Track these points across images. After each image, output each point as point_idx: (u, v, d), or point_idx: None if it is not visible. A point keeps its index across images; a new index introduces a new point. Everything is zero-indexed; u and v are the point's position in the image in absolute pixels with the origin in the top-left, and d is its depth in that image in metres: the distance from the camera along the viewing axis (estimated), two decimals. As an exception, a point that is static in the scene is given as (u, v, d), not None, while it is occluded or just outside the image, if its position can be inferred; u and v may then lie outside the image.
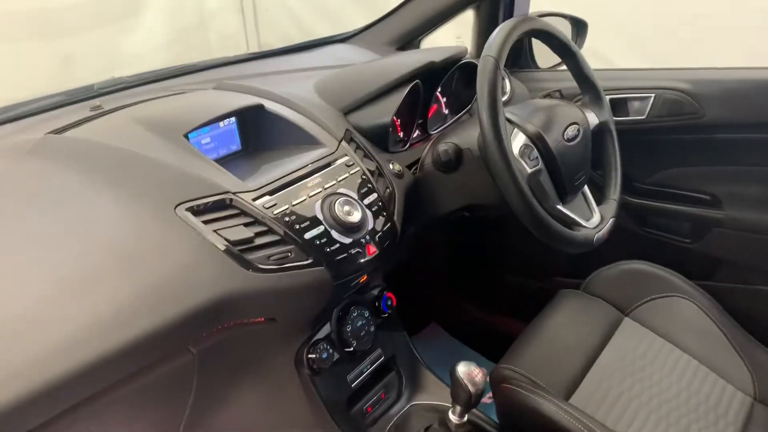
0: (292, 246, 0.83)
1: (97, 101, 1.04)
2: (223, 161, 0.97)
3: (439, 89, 1.24)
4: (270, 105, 1.02)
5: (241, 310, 0.81)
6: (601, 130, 1.11)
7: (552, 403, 1.00)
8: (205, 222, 0.78)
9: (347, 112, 1.09)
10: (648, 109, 1.36)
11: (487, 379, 1.11)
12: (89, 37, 2.54)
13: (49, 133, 0.90)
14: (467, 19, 1.53)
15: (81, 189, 0.79)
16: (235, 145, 1.02)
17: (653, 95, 1.35)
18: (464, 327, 1.95)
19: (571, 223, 1.02)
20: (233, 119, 1.00)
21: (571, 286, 1.34)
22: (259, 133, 1.02)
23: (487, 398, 1.43)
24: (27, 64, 2.32)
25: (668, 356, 1.17)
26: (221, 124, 0.98)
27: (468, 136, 1.04)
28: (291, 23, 3.48)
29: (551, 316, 1.23)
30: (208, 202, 0.80)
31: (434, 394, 1.23)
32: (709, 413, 1.08)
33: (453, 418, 0.98)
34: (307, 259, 0.84)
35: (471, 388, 0.91)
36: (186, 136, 0.89)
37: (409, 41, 1.52)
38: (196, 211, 0.78)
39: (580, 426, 0.96)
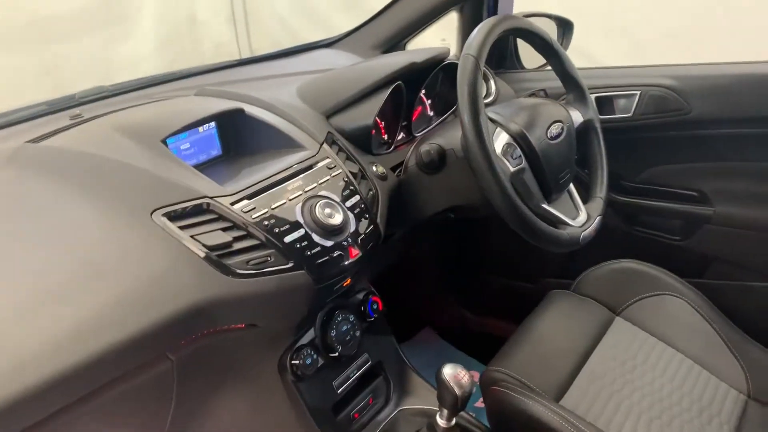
0: (272, 250, 0.82)
1: (77, 110, 1.04)
2: (204, 167, 0.96)
3: (423, 91, 1.23)
4: (250, 109, 1.01)
5: (221, 317, 0.80)
6: (586, 128, 1.10)
7: (542, 405, 0.99)
8: (182, 227, 0.77)
9: (329, 115, 1.09)
10: (634, 106, 1.36)
11: (478, 382, 1.10)
12: (80, 47, 2.54)
13: (27, 142, 0.89)
14: (452, 21, 1.53)
15: (57, 197, 0.78)
16: (216, 151, 1.01)
17: (639, 92, 1.35)
18: (457, 330, 1.94)
19: (557, 222, 1.01)
20: (213, 124, 0.99)
21: (561, 286, 1.33)
22: (239, 138, 1.01)
23: (480, 402, 1.41)
24: (17, 74, 2.31)
25: (660, 355, 1.16)
26: (201, 129, 0.97)
27: (451, 137, 1.03)
28: (282, 30, 3.48)
29: (541, 317, 1.22)
30: (184, 208, 0.79)
31: (423, 399, 1.22)
32: (703, 412, 1.07)
33: (441, 422, 0.97)
34: (288, 263, 0.83)
35: (457, 391, 0.90)
36: (164, 141, 0.88)
37: (394, 45, 1.52)
38: (173, 217, 0.77)
39: (571, 428, 0.95)
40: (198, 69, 1.35)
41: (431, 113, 1.30)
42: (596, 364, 1.13)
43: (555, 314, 1.24)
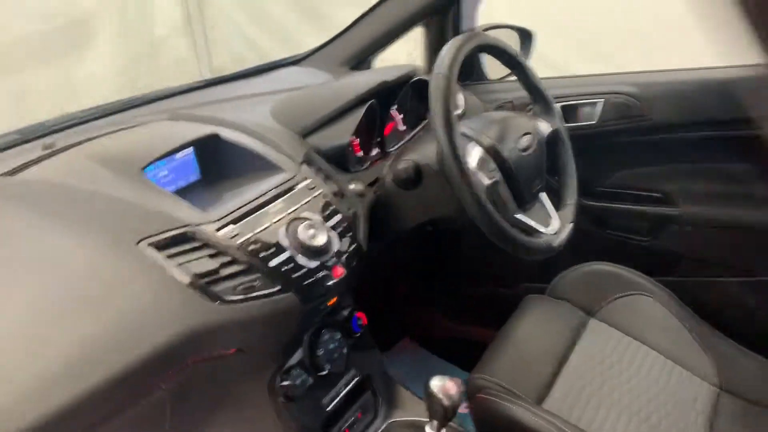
0: (258, 274, 0.83)
1: (49, 139, 1.02)
2: (183, 192, 0.96)
3: (395, 107, 1.25)
4: (226, 133, 1.01)
5: (211, 343, 0.80)
6: (554, 137, 1.14)
7: (527, 410, 1.01)
8: (169, 256, 0.77)
9: (305, 134, 1.10)
10: (598, 114, 1.40)
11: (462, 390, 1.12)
12: (41, 71, 2.50)
13: (2, 174, 0.88)
14: (418, 35, 1.55)
15: (39, 232, 0.77)
16: (194, 176, 1.01)
17: (602, 100, 1.39)
18: (436, 339, 1.96)
19: (532, 231, 1.04)
20: (190, 149, 0.99)
21: (537, 291, 1.36)
22: (217, 162, 1.02)
23: (462, 408, 1.43)
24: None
25: (635, 354, 1.20)
26: (178, 155, 0.97)
27: (426, 152, 1.06)
28: (242, 43, 3.48)
29: (519, 322, 1.25)
30: (170, 236, 0.79)
31: (411, 410, 1.23)
32: (678, 406, 1.11)
33: (431, 433, 0.98)
34: (275, 287, 0.84)
35: (446, 402, 0.92)
36: (143, 170, 0.88)
37: (361, 60, 1.53)
38: (159, 246, 0.77)
39: (556, 430, 0.98)
40: (168, 91, 1.35)
41: (403, 128, 1.32)
42: (575, 365, 1.17)
43: (532, 319, 1.27)
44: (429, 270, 1.91)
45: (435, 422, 0.96)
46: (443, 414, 0.93)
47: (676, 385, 1.15)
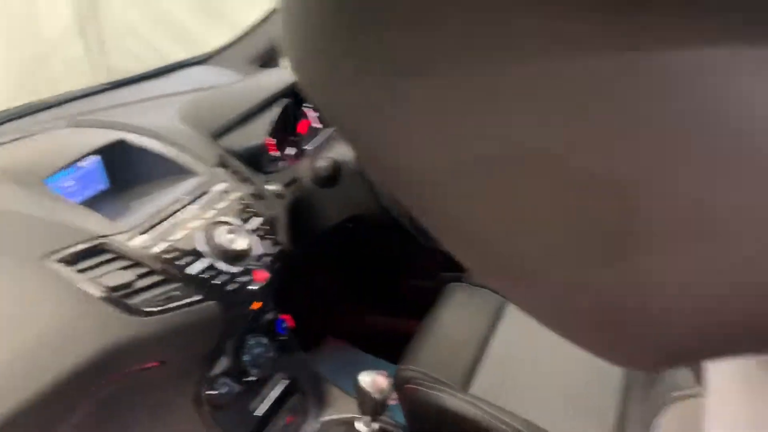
0: (177, 284, 0.80)
1: None
2: (91, 203, 0.91)
3: (308, 104, 1.24)
4: (133, 138, 0.97)
5: (131, 358, 0.77)
6: None
7: (454, 397, 1.04)
8: (80, 271, 0.73)
9: (216, 136, 1.07)
10: None
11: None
12: None
13: None
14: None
15: None
16: (102, 184, 0.96)
17: None
18: (361, 335, 1.97)
19: None
20: (97, 157, 0.94)
21: (457, 279, 1.39)
22: (126, 169, 0.97)
23: (391, 400, 1.44)
24: None
25: (551, 332, 1.25)
26: (83, 164, 0.92)
27: (344, 150, 1.06)
28: (139, 44, 3.33)
29: (441, 311, 1.28)
30: (79, 250, 0.75)
31: (342, 408, 1.23)
32: (595, 380, 1.16)
33: (363, 428, 0.99)
34: (195, 296, 0.81)
35: (377, 396, 0.93)
36: (45, 181, 0.83)
37: (271, 58, 1.51)
38: (68, 261, 0.73)
39: (483, 414, 1.01)
40: (67, 96, 1.26)
41: (318, 125, 1.31)
42: (497, 348, 1.20)
43: (453, 307, 1.30)
44: (350, 266, 1.91)
45: (367, 417, 0.97)
46: (374, 408, 0.94)
47: (591, 359, 1.21)
